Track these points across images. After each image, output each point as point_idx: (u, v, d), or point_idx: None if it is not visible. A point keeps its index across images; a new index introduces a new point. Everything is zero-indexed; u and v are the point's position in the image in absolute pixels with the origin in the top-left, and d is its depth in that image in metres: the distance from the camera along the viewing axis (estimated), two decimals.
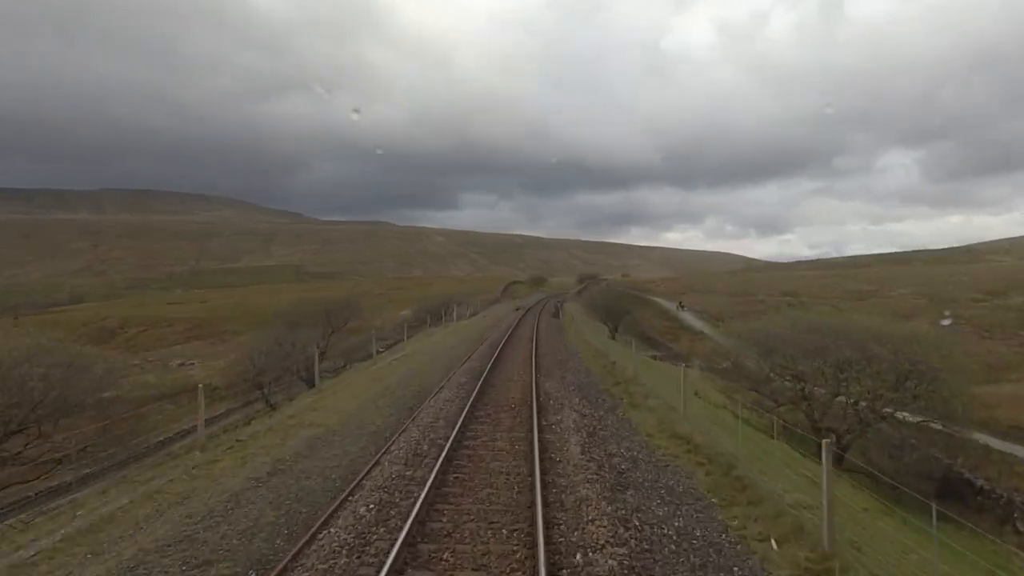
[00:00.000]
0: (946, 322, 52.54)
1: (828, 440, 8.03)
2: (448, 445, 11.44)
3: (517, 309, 55.85)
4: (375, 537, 7.87)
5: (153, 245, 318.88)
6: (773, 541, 7.97)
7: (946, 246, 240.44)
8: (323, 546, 7.71)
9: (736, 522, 8.64)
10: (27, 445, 17.78)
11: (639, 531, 8.07)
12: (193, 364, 53.48)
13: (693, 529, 8.34)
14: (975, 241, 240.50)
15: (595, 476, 10.02)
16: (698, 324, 70.07)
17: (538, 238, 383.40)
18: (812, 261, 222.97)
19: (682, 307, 79.02)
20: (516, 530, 8.09)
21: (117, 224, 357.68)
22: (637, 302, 69.61)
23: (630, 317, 59.94)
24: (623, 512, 8.59)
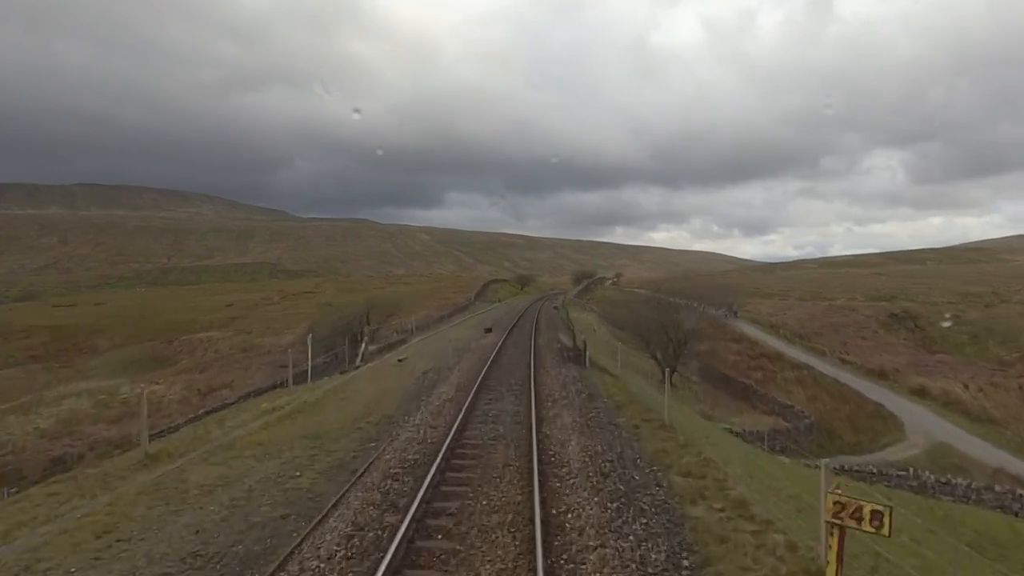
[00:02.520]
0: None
1: None
2: None
3: (488, 331, 26.44)
4: None
5: (124, 242, 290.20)
6: None
7: (932, 246, 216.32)
8: None
9: None
10: None
11: None
12: None
13: None
14: (957, 242, 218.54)
15: None
16: (781, 345, 40.96)
17: (525, 236, 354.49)
18: (817, 259, 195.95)
19: (735, 313, 50.24)
20: None
21: (87, 220, 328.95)
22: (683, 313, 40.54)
23: (694, 346, 30.50)
24: None
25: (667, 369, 19.13)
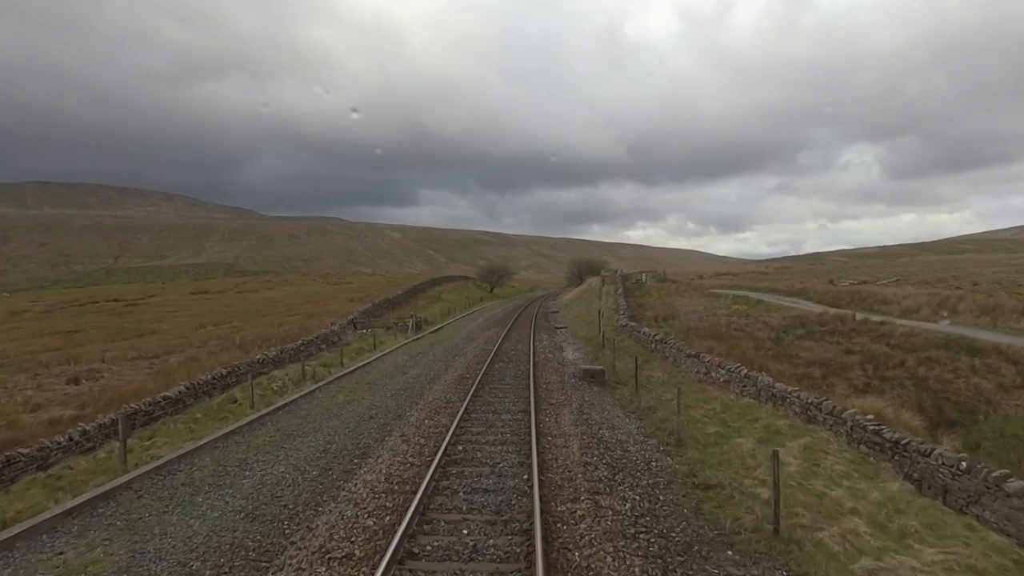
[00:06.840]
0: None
1: None
2: None
3: None
4: None
5: (70, 242, 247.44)
6: None
7: (924, 240, 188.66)
8: None
9: None
10: None
11: None
12: None
13: None
14: (931, 239, 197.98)
15: None
16: None
17: (500, 234, 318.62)
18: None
19: None
20: None
21: (33, 219, 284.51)
22: None
23: None
24: None
25: None
